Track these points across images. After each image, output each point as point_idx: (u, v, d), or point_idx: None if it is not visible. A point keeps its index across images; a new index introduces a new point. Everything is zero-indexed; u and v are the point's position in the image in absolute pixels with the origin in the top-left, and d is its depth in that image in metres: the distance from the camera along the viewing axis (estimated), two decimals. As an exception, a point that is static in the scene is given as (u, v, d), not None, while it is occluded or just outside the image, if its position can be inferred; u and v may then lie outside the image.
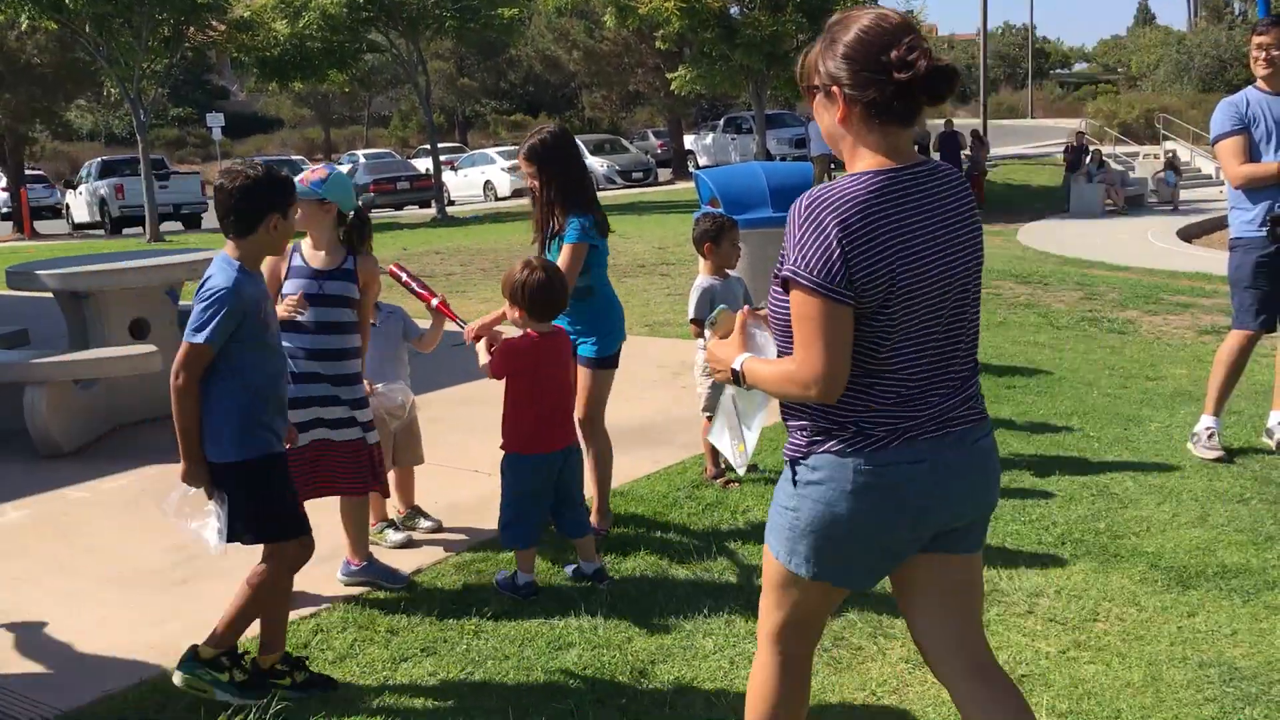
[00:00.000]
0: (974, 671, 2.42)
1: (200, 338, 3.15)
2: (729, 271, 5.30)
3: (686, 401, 6.76)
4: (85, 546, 4.80)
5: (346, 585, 4.17)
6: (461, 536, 4.70)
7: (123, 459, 6.11)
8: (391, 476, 4.70)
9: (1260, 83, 5.33)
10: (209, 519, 3.23)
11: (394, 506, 4.78)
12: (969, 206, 2.34)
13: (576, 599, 4.01)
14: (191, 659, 3.31)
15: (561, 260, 4.28)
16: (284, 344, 3.69)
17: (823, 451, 2.27)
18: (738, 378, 2.40)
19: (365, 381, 4.18)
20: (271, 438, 3.32)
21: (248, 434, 3.25)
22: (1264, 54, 5.26)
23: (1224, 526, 4.55)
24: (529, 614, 3.91)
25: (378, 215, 29.07)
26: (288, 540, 3.34)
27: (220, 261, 3.27)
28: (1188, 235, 19.97)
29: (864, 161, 2.26)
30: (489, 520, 4.70)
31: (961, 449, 2.32)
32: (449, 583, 4.21)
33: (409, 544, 4.59)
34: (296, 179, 3.87)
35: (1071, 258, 16.07)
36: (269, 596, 3.34)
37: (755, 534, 4.59)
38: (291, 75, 25.74)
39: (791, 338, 2.24)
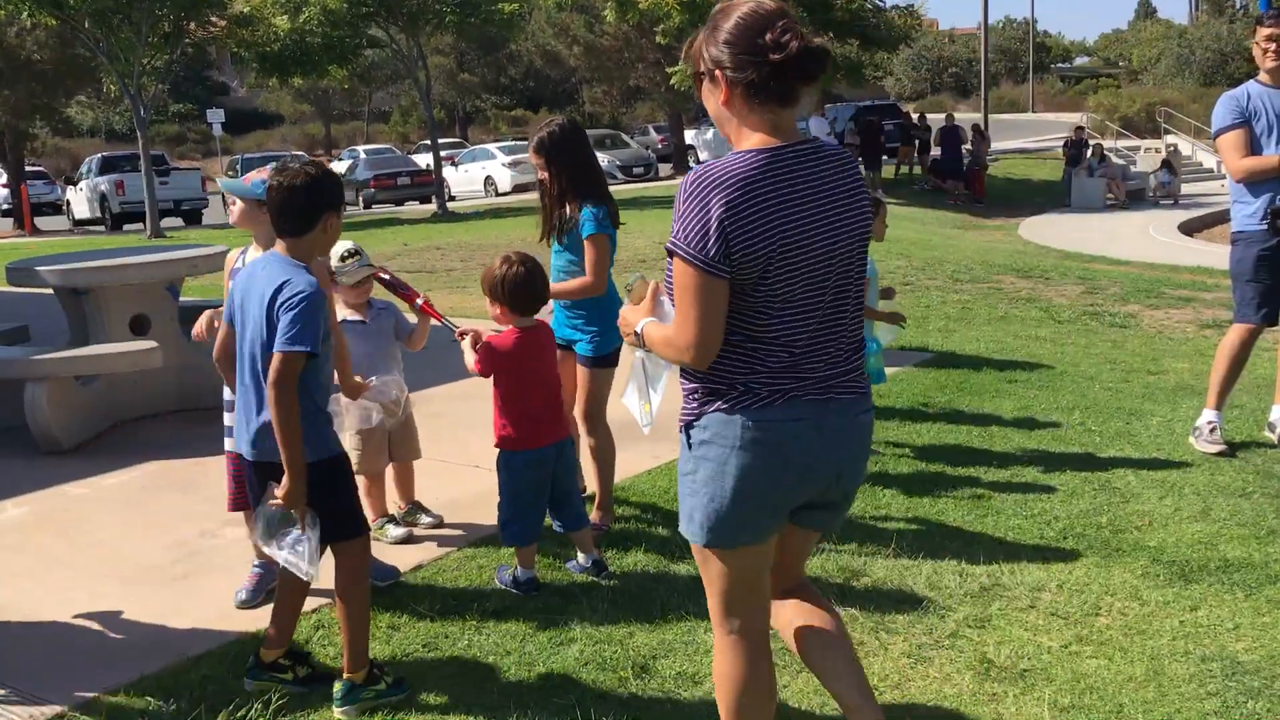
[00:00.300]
0: (788, 593, 2.71)
1: (303, 346, 3.06)
2: None
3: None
4: (86, 543, 4.80)
5: None
6: (461, 532, 4.69)
7: (123, 455, 6.10)
8: (390, 472, 4.69)
9: (1262, 76, 5.32)
10: (301, 543, 3.15)
11: (394, 502, 4.78)
12: (855, 183, 2.46)
13: (578, 594, 4.00)
14: (349, 689, 3.28)
15: (589, 256, 4.29)
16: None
17: (712, 411, 2.41)
18: (640, 340, 2.57)
19: (357, 376, 4.12)
20: (333, 438, 3.32)
21: (317, 436, 3.22)
22: (1275, 45, 5.24)
23: (1226, 520, 4.54)
24: (530, 609, 3.90)
25: (378, 211, 29.09)
26: (349, 540, 3.31)
27: (284, 264, 3.19)
28: (1189, 229, 19.97)
29: (749, 140, 2.38)
30: (489, 516, 4.69)
31: (845, 418, 2.46)
32: (449, 579, 4.21)
33: (409, 539, 4.59)
34: (241, 179, 3.84)
35: (1073, 252, 16.06)
36: (360, 597, 3.31)
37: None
38: (292, 71, 25.70)
39: None
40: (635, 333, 2.58)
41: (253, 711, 3.25)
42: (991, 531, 4.50)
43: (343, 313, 4.38)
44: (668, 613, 3.82)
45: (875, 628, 3.68)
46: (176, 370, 6.75)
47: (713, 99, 2.43)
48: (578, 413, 4.51)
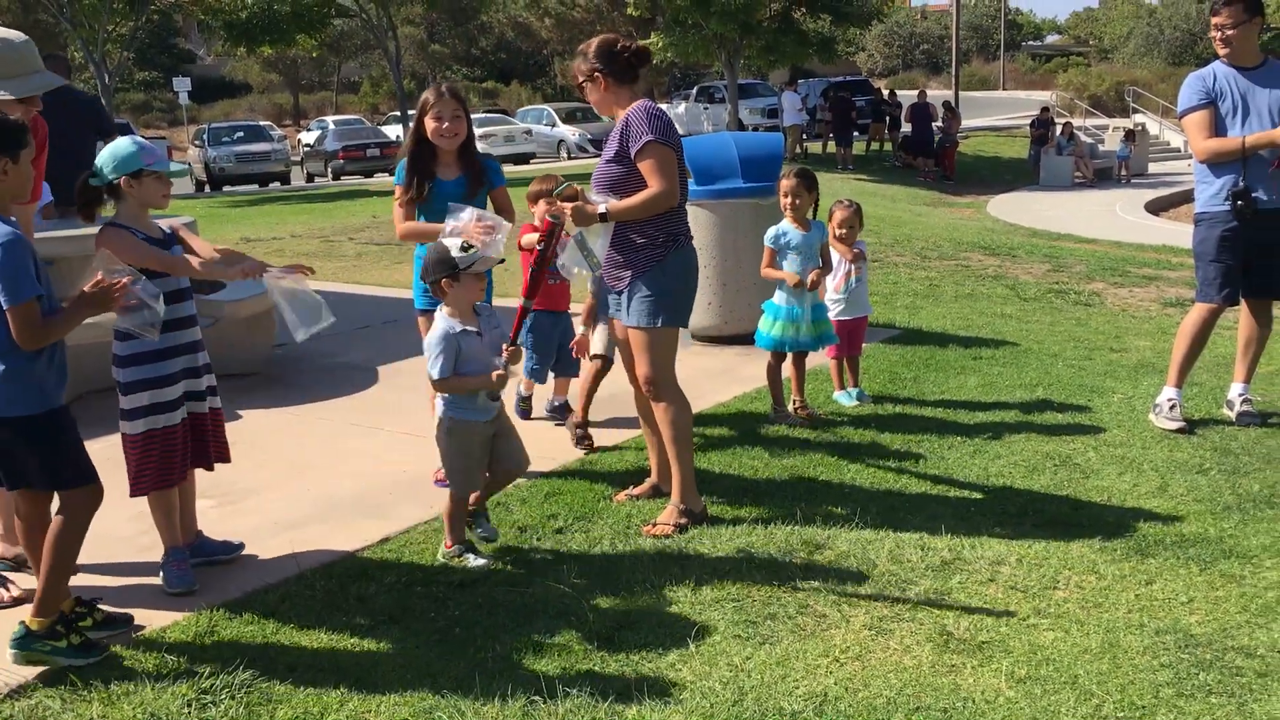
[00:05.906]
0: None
1: (30, 293, 3.25)
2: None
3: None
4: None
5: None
6: (430, 504, 4.68)
7: (89, 426, 5.95)
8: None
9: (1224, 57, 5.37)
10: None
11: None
12: None
13: (543, 568, 4.02)
14: (24, 634, 3.31)
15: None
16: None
17: (674, 251, 4.26)
18: (604, 217, 4.13)
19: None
20: (53, 393, 3.44)
21: (35, 388, 3.36)
22: (1220, 34, 5.31)
23: (1183, 496, 4.62)
24: (495, 581, 3.92)
25: (347, 183, 28.85)
26: (74, 489, 3.42)
27: None
28: (1155, 208, 20.16)
29: (631, 103, 4.24)
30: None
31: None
32: (415, 551, 4.21)
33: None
34: (168, 157, 3.83)
35: (1040, 230, 16.18)
36: (68, 546, 3.40)
37: (721, 501, 4.61)
38: (259, 39, 25.43)
39: (616, 193, 4.19)
40: (600, 213, 4.12)
41: (217, 686, 3.25)
42: (953, 506, 4.56)
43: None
44: (633, 585, 3.84)
45: (837, 600, 3.72)
46: (141, 341, 6.67)
47: (595, 92, 4.28)
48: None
